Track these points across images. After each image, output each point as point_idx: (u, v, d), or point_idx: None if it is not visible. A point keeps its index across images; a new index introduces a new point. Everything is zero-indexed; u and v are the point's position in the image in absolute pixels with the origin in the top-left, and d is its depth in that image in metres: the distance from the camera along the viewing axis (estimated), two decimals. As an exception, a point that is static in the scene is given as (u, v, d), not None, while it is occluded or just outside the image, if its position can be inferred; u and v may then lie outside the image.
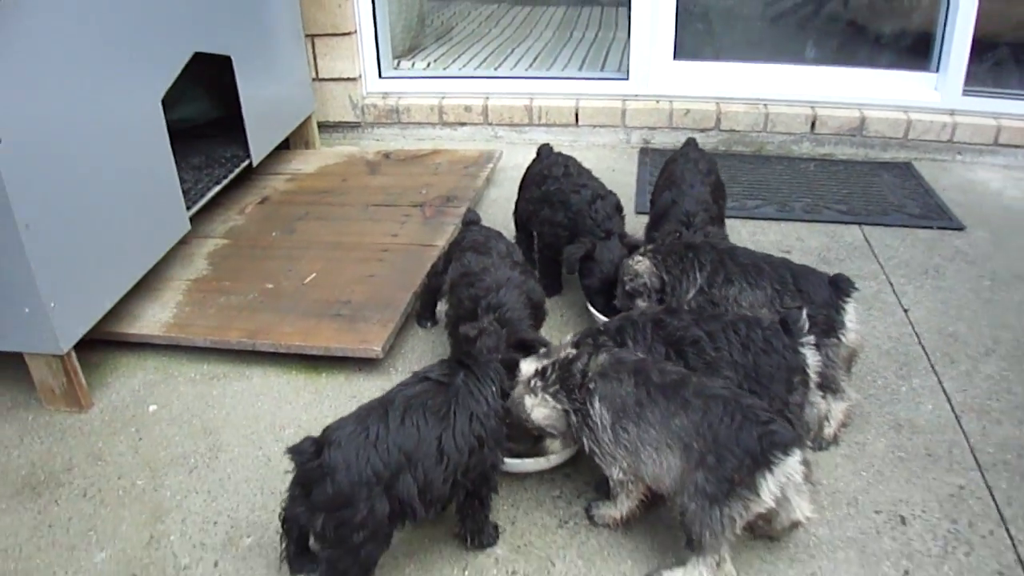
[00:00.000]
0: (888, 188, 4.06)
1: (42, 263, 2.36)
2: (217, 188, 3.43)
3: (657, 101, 4.51)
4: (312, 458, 1.71)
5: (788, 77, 4.55)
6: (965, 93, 4.37)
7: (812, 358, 2.14)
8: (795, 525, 1.99)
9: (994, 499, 2.23)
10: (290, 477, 1.83)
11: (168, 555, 2.09)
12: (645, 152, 4.44)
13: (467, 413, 1.86)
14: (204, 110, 3.89)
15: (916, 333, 2.92)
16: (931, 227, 3.70)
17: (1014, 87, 4.53)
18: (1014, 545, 2.09)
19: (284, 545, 1.96)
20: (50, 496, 2.31)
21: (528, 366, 2.07)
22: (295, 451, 1.73)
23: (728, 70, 4.60)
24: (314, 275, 3.08)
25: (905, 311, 3.05)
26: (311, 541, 1.93)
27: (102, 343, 2.81)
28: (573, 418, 2.00)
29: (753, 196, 3.94)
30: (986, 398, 2.61)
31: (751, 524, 2.00)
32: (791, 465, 1.79)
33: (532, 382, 2.03)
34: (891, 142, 4.43)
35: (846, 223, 3.71)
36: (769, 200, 3.91)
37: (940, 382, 2.67)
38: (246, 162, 3.66)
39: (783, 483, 1.80)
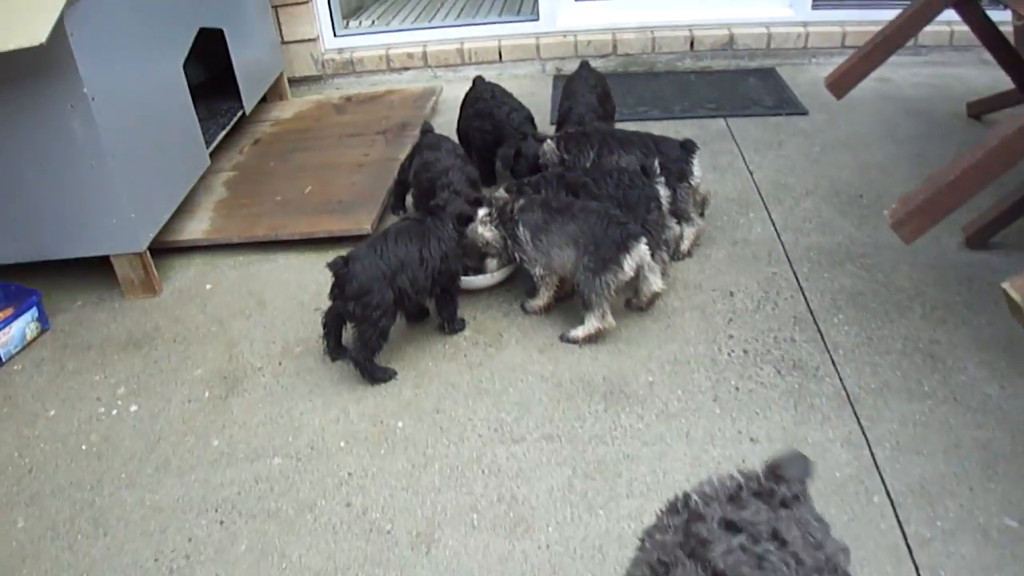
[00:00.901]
0: (752, 89, 5.12)
1: (124, 185, 3.31)
2: (223, 132, 4.38)
3: (564, 36, 5.51)
4: (343, 267, 2.75)
5: (669, 6, 5.54)
6: (814, 7, 5.40)
7: (663, 191, 3.21)
8: (655, 297, 3.06)
9: (797, 278, 3.31)
10: (322, 311, 2.89)
11: (245, 363, 3.11)
12: (558, 78, 5.44)
13: (436, 237, 2.90)
14: (196, 75, 4.80)
15: (756, 186, 3.99)
16: (781, 114, 4.77)
17: (853, -1, 5.62)
18: (806, 301, 3.17)
19: (325, 343, 3.00)
20: (149, 347, 3.29)
21: (480, 212, 3.13)
22: (332, 264, 2.76)
23: (619, 4, 5.59)
24: (310, 188, 4.07)
25: (750, 172, 4.12)
26: (343, 335, 2.98)
27: (158, 251, 3.74)
28: (509, 241, 3.06)
29: (643, 104, 4.98)
30: (801, 222, 3.69)
31: (628, 300, 3.09)
32: (641, 249, 2.86)
33: (482, 219, 3.09)
34: (756, 53, 5.48)
35: (714, 117, 4.77)
36: (656, 106, 4.96)
37: (769, 214, 3.75)
38: (240, 112, 4.62)
39: (638, 260, 2.87)
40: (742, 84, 5.18)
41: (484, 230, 3.10)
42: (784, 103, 4.87)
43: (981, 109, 4.45)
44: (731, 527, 1.38)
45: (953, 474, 2.42)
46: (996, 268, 3.23)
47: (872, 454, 2.49)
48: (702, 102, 4.95)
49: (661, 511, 1.50)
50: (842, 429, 2.58)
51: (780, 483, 1.48)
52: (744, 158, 4.26)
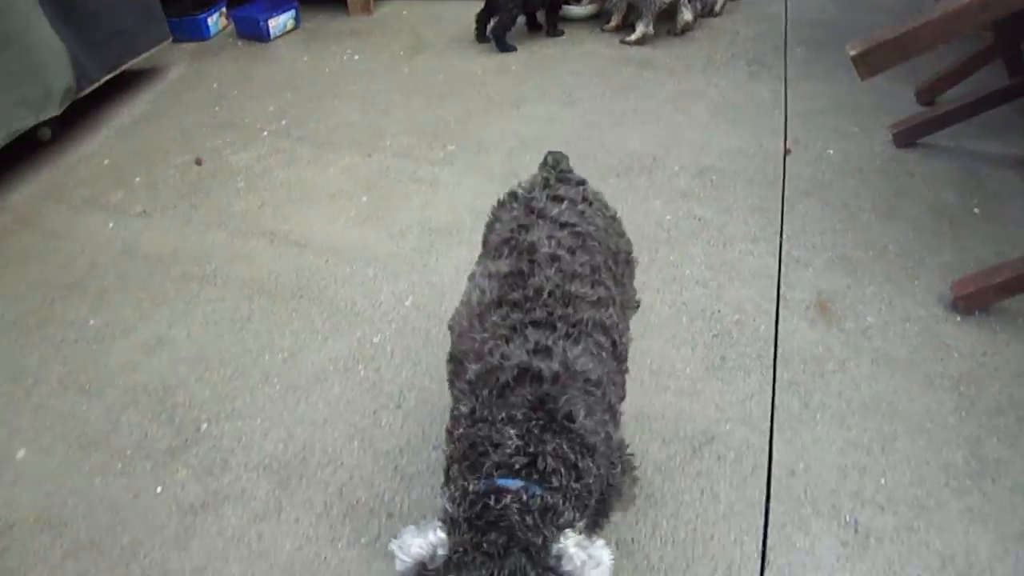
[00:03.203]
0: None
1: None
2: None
3: None
4: None
5: None
6: None
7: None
8: (686, 26, 4.81)
9: (785, 33, 4.93)
10: (473, 23, 4.80)
11: (425, 43, 5.05)
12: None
13: None
14: None
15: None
16: None
17: None
18: (785, 41, 4.86)
19: (476, 32, 4.91)
20: (367, 35, 5.21)
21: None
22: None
23: None
24: None
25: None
26: (486, 28, 4.88)
27: None
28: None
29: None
30: (805, 6, 5.35)
31: (669, 29, 4.86)
32: None
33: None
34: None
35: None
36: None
37: (786, 4, 5.41)
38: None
39: (674, -8, 4.64)
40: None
41: None
42: None
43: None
44: (557, 199, 1.84)
45: (833, 229, 3.24)
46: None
47: (785, 94, 4.22)
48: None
49: (497, 202, 1.99)
50: (771, 87, 4.31)
51: (564, 172, 1.99)
52: None
